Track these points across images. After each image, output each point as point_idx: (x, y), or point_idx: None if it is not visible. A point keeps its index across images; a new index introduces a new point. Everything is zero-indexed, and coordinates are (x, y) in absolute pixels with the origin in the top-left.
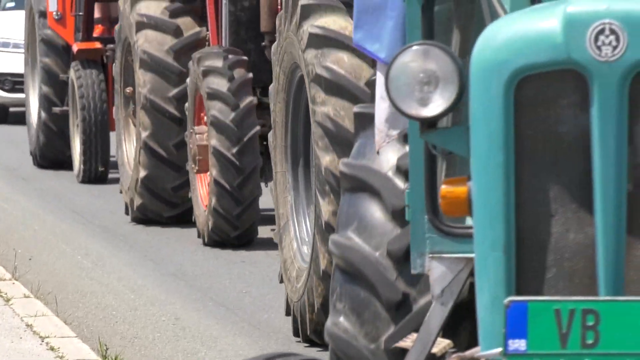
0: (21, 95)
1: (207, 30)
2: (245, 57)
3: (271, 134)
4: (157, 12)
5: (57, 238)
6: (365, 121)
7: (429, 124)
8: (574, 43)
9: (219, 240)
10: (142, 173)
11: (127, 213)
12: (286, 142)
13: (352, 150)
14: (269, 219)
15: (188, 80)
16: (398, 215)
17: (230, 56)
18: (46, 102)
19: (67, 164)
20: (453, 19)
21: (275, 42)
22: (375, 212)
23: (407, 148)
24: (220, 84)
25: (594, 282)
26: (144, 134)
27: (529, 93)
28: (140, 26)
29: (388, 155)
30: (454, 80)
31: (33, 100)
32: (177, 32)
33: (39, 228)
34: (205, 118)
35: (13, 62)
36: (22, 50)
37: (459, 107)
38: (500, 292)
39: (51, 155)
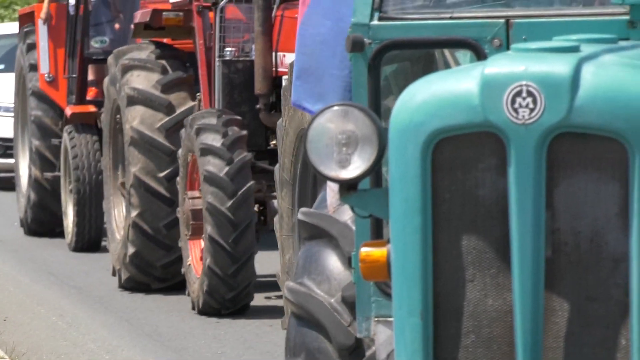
0: (10, 161)
1: (199, 93)
2: (239, 117)
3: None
4: (149, 85)
5: (32, 299)
6: None
7: (348, 186)
8: (491, 105)
9: (215, 306)
10: (131, 249)
11: (114, 275)
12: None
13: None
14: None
15: (180, 151)
16: None
17: (224, 115)
18: (38, 159)
19: (59, 231)
20: (409, 77)
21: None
22: (332, 259)
23: None
24: (214, 139)
25: (513, 349)
26: (134, 213)
27: (446, 155)
28: (131, 101)
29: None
30: (373, 141)
31: (23, 165)
32: (169, 108)
33: (14, 289)
34: (198, 180)
35: (2, 126)
36: (12, 114)
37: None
38: (418, 359)
39: (42, 217)
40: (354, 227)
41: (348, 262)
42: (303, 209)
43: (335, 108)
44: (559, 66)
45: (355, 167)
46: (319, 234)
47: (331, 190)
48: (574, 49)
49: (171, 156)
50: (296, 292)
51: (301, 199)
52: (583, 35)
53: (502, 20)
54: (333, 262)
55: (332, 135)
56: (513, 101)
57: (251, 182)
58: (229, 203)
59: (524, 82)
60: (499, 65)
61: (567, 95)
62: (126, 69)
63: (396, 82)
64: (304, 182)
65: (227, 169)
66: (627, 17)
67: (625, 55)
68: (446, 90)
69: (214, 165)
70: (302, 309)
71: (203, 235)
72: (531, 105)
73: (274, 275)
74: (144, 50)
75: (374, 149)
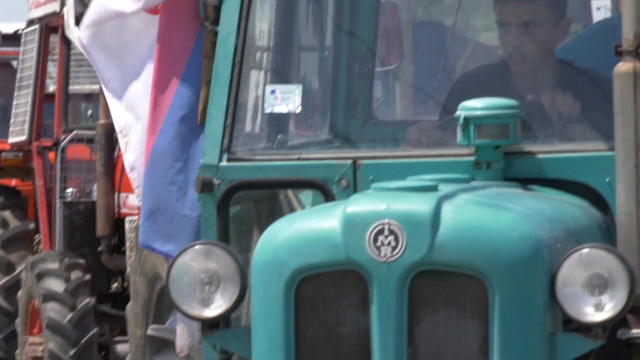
0: None
1: (39, 233)
2: (82, 260)
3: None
4: None
5: None
6: None
7: (210, 324)
8: (353, 243)
9: None
10: None
11: None
12: None
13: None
14: None
15: (19, 293)
16: None
17: (66, 259)
18: None
19: None
20: (254, 218)
21: None
22: None
23: None
24: (57, 285)
25: None
26: None
27: (309, 293)
28: None
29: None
30: (235, 280)
31: None
32: (3, 223)
33: None
34: (39, 325)
35: None
36: None
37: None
38: None
39: None
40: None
41: None
42: (152, 326)
43: (198, 247)
44: (420, 205)
45: (218, 306)
46: (167, 345)
47: (182, 331)
48: (433, 188)
49: (8, 266)
50: None
51: None
52: (438, 175)
53: (349, 162)
54: None
55: (195, 274)
56: (375, 239)
57: (95, 330)
58: (72, 351)
59: (385, 221)
60: (360, 204)
61: (428, 234)
62: None
63: (240, 223)
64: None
65: (70, 315)
66: (472, 158)
67: (481, 194)
68: (309, 229)
69: (56, 312)
70: None
71: None
72: (393, 244)
73: None
74: None
75: (237, 287)
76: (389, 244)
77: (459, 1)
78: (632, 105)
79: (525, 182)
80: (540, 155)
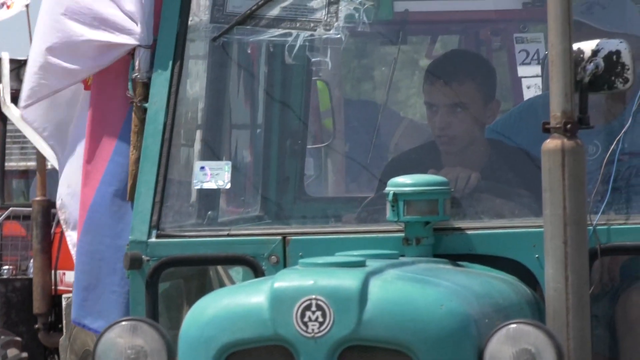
0: None
1: None
2: (18, 338)
3: None
4: None
5: None
6: None
7: None
8: (280, 319)
9: None
10: None
11: None
12: None
13: None
14: None
15: None
16: None
17: (2, 336)
18: None
19: None
20: (184, 294)
21: None
22: None
23: None
24: None
25: None
26: None
27: None
28: None
29: None
30: (162, 356)
31: None
32: None
33: None
34: None
35: None
36: None
37: None
38: None
39: None
40: None
41: None
42: None
43: (124, 323)
44: (348, 280)
45: None
46: None
47: None
48: (361, 264)
49: None
50: None
51: None
52: (367, 251)
53: (278, 238)
54: None
55: (121, 350)
56: (302, 315)
57: None
58: None
59: (313, 296)
60: (288, 280)
61: (356, 309)
62: None
63: (170, 299)
64: None
65: None
66: (402, 235)
67: (409, 270)
68: (236, 304)
69: None
70: None
71: None
72: (320, 319)
73: None
74: None
75: None
76: (316, 319)
77: (390, 79)
78: (560, 181)
79: (455, 258)
80: (469, 232)
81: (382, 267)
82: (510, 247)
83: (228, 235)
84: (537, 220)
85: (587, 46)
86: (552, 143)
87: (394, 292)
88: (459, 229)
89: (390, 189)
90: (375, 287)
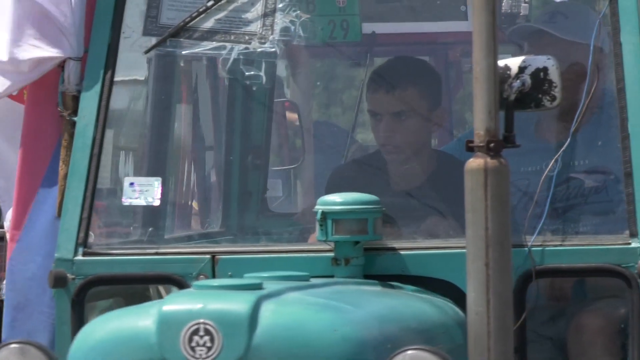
0: None
1: None
2: None
3: None
4: None
5: None
6: None
7: None
8: (167, 343)
9: None
10: None
11: None
12: None
13: None
14: None
15: None
16: None
17: None
18: None
19: None
20: None
21: None
22: None
23: None
24: None
25: None
26: None
27: None
28: None
29: None
30: None
31: None
32: None
33: None
34: None
35: None
36: None
37: None
38: None
39: None
40: None
41: None
42: None
43: (13, 345)
44: (238, 304)
45: None
46: None
47: None
48: (257, 287)
49: None
50: None
51: None
52: (274, 272)
53: (207, 256)
54: None
55: None
56: (190, 339)
57: None
58: None
59: (201, 320)
60: (176, 303)
61: (245, 334)
62: None
63: None
64: None
65: None
66: (331, 254)
67: (312, 293)
68: (123, 328)
69: None
70: None
71: None
72: (208, 344)
73: None
74: None
75: None
76: (204, 344)
77: (358, 102)
78: (483, 202)
79: (390, 278)
80: (403, 252)
81: (280, 290)
82: (443, 268)
83: (156, 253)
84: None
85: (513, 62)
86: (474, 162)
87: (286, 317)
88: (392, 248)
89: (319, 207)
90: (267, 312)
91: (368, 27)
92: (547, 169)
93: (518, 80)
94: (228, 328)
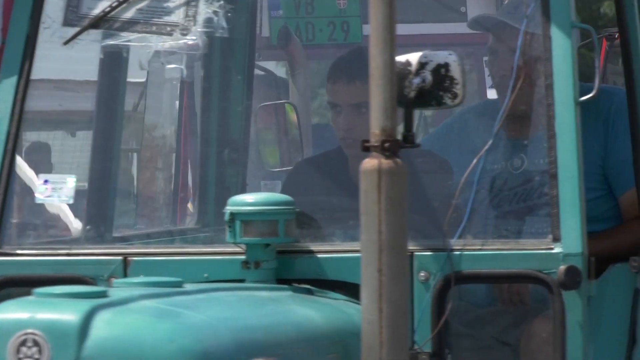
0: None
1: None
2: None
3: None
4: None
5: None
6: None
7: None
8: None
9: None
10: None
11: None
12: None
13: None
14: None
15: None
16: None
17: None
18: None
19: None
20: None
21: None
22: None
23: None
24: None
25: None
26: None
27: None
28: None
29: None
30: None
31: None
32: None
33: None
34: None
35: None
36: None
37: None
38: None
39: None
40: None
41: None
42: None
43: None
44: (68, 314)
45: None
46: None
47: None
48: (100, 294)
49: None
50: None
51: None
52: (146, 278)
53: (119, 258)
54: None
55: None
56: (18, 350)
57: None
58: None
59: (29, 330)
60: (6, 312)
61: (74, 346)
62: None
63: None
64: None
65: None
66: (243, 257)
67: (170, 302)
68: None
69: None
70: None
71: None
72: (37, 356)
73: None
74: None
75: None
76: (32, 356)
77: None
78: (377, 204)
79: (310, 283)
80: (320, 255)
81: (123, 299)
82: (358, 272)
83: (67, 254)
84: None
85: (414, 58)
86: (369, 163)
87: (120, 328)
88: (308, 252)
89: (228, 207)
90: (100, 322)
91: (368, 29)
92: (468, 170)
93: (418, 77)
94: (57, 339)
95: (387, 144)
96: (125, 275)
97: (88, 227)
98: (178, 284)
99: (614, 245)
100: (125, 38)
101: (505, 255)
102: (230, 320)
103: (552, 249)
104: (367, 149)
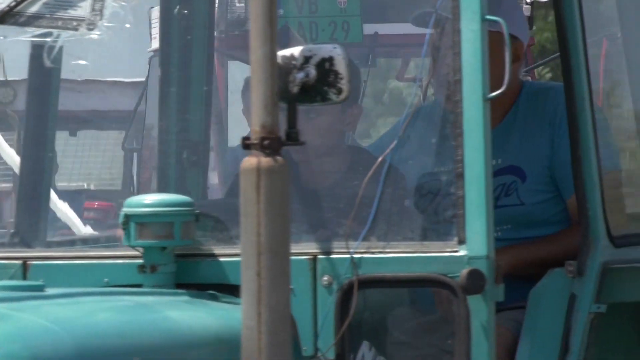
0: None
1: None
2: None
3: None
4: None
5: None
6: None
7: None
8: None
9: None
10: None
11: None
12: None
13: None
14: None
15: None
16: None
17: None
18: None
19: None
20: None
21: None
22: None
23: None
24: None
25: None
26: None
27: None
28: None
29: None
30: None
31: None
32: None
33: None
34: None
35: None
36: None
37: None
38: None
39: None
40: None
41: None
42: None
43: None
44: None
45: None
46: None
47: None
48: None
49: None
50: None
51: None
52: (11, 281)
53: (19, 262)
54: None
55: None
56: None
57: None
58: None
59: None
60: None
61: None
62: None
63: None
64: None
65: None
66: (140, 261)
67: (12, 306)
68: None
69: None
70: None
71: None
72: None
73: None
74: None
75: None
76: None
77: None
78: (255, 205)
79: (216, 288)
80: (222, 259)
81: None
82: None
83: None
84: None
85: (299, 52)
86: (248, 162)
87: None
88: (208, 255)
89: (123, 209)
90: None
91: (369, 28)
92: (371, 171)
93: (302, 72)
94: None
95: (266, 142)
96: (24, 279)
97: None
98: (39, 288)
99: (562, 248)
100: (30, 33)
101: (410, 259)
102: (78, 326)
103: (456, 251)
104: (247, 147)
